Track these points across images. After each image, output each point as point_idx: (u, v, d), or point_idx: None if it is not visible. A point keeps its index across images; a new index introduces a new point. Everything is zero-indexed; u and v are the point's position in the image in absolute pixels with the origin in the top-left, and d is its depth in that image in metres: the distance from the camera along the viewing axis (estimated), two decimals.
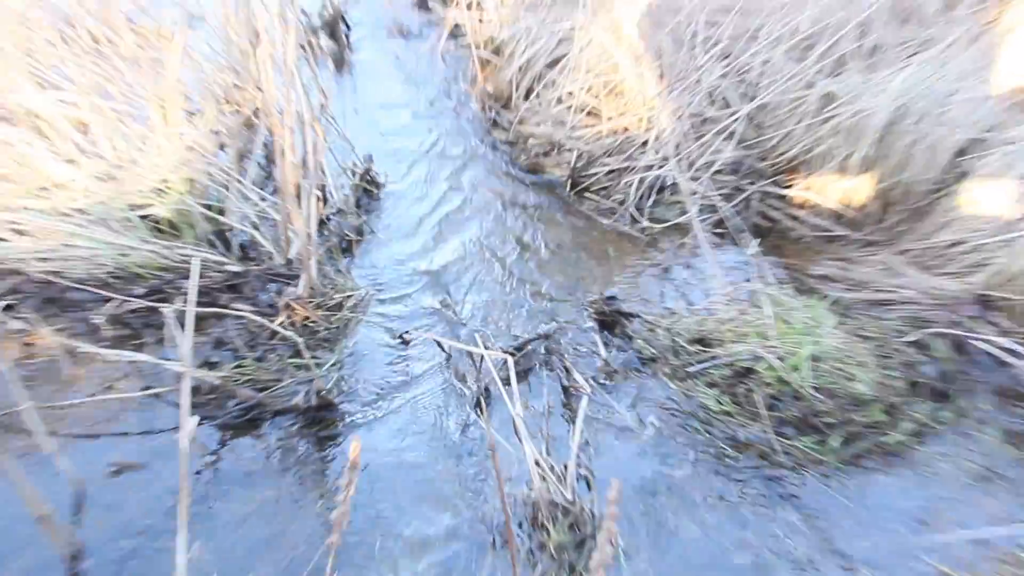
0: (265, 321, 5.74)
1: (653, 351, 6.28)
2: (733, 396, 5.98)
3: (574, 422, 5.70)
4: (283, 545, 4.77)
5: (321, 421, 5.74)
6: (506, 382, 6.00)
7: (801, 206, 7.54)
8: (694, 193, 7.54)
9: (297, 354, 6.06)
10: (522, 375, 6.20)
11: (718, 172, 7.68)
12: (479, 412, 5.89)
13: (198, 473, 5.27)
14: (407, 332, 6.41)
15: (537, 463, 5.09)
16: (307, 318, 6.29)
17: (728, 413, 5.87)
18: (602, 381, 6.13)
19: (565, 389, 6.15)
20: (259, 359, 6.08)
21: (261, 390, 5.83)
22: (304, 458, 5.48)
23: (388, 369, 6.22)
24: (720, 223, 7.53)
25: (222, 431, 5.66)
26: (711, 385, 6.08)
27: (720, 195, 7.57)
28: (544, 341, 6.45)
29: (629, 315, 6.62)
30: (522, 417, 5.38)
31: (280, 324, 6.12)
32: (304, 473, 5.36)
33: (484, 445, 5.53)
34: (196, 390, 5.78)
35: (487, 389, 6.00)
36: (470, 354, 6.08)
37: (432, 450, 5.60)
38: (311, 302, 6.29)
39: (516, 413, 5.37)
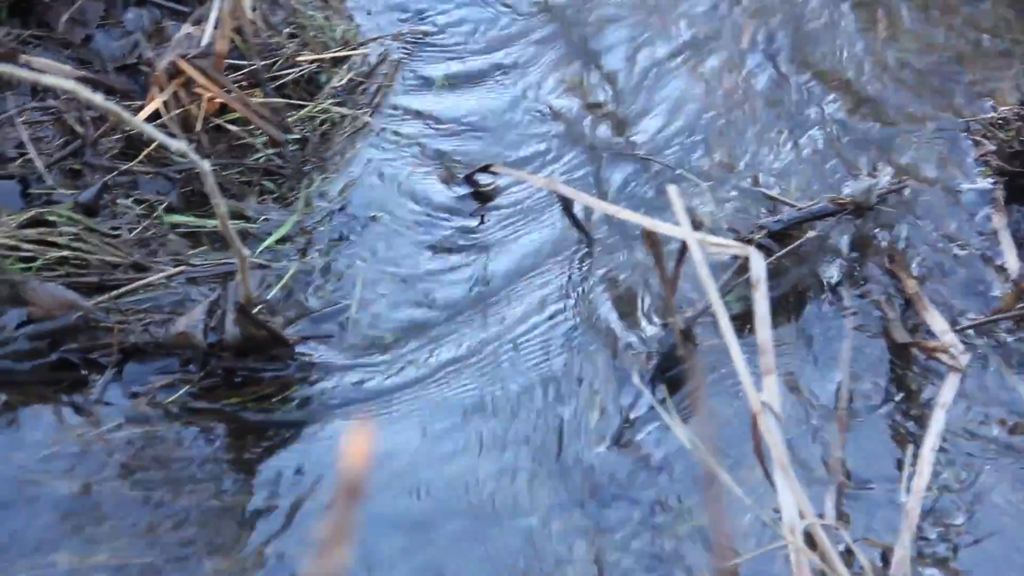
0: (111, 106, 2.89)
1: None
2: None
3: (915, 439, 3.19)
4: None
5: (252, 382, 3.21)
6: (740, 319, 3.26)
7: None
8: None
9: (194, 201, 3.59)
10: (781, 301, 3.53)
11: None
12: (657, 390, 3.27)
13: None
14: (483, 168, 3.86)
15: (811, 539, 2.59)
16: (220, 108, 3.69)
17: None
18: (1003, 339, 3.46)
19: (898, 349, 3.42)
20: (89, 210, 3.45)
21: (94, 292, 3.30)
22: (208, 470, 3.05)
23: (428, 266, 3.64)
24: None
25: None
26: None
27: None
28: (848, 219, 3.75)
29: None
30: (777, 413, 2.64)
31: (156, 121, 3.56)
32: (209, 512, 2.97)
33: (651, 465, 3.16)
34: None
35: (686, 333, 3.36)
36: (649, 237, 3.29)
37: (532, 479, 3.08)
38: (240, 71, 3.84)
39: (762, 401, 2.62)
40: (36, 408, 3.02)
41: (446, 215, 3.65)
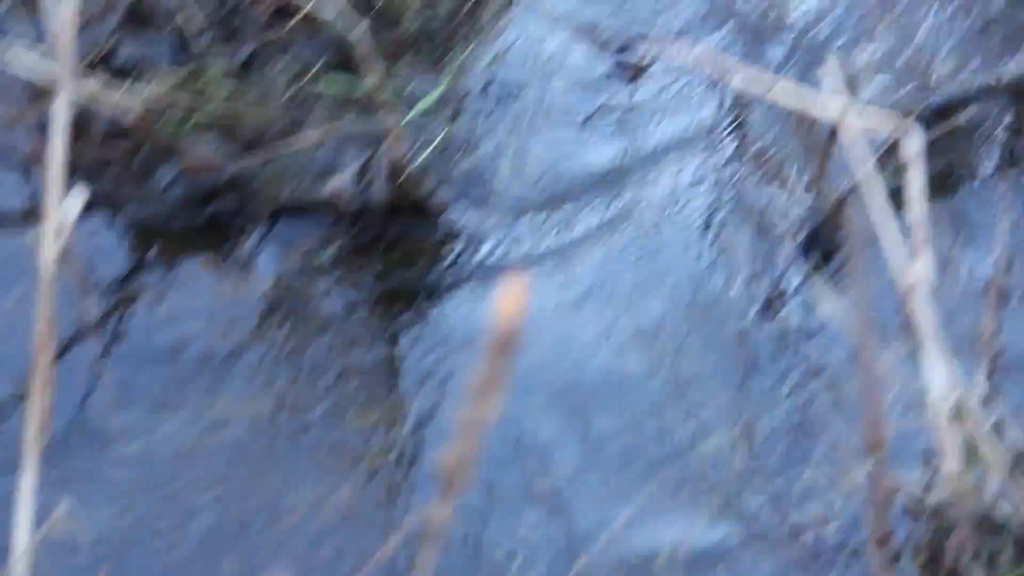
0: None
1: None
2: None
3: None
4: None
5: (399, 245, 3.29)
6: (894, 195, 3.00)
7: None
8: None
9: (348, 64, 3.51)
10: (936, 180, 3.17)
11: None
12: (808, 263, 3.31)
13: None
14: (634, 41, 3.81)
15: (960, 414, 2.60)
16: None
17: None
18: None
19: None
20: (244, 66, 3.51)
21: (246, 151, 3.34)
22: (355, 330, 3.14)
23: (577, 136, 3.61)
24: None
25: (139, 241, 3.26)
26: None
27: None
28: (1008, 98, 3.65)
29: None
30: (929, 288, 2.63)
31: None
32: (356, 369, 3.05)
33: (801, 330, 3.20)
34: (80, 130, 3.23)
35: (837, 207, 3.33)
36: (802, 112, 3.25)
37: (678, 347, 3.11)
38: None
39: (914, 276, 2.61)
40: (188, 264, 3.09)
41: (596, 87, 3.65)
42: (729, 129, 3.54)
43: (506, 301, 1.11)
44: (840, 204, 3.23)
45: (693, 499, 2.78)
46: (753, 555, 2.70)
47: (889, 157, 3.42)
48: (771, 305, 3.05)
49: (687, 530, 2.74)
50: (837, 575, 2.62)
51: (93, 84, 3.17)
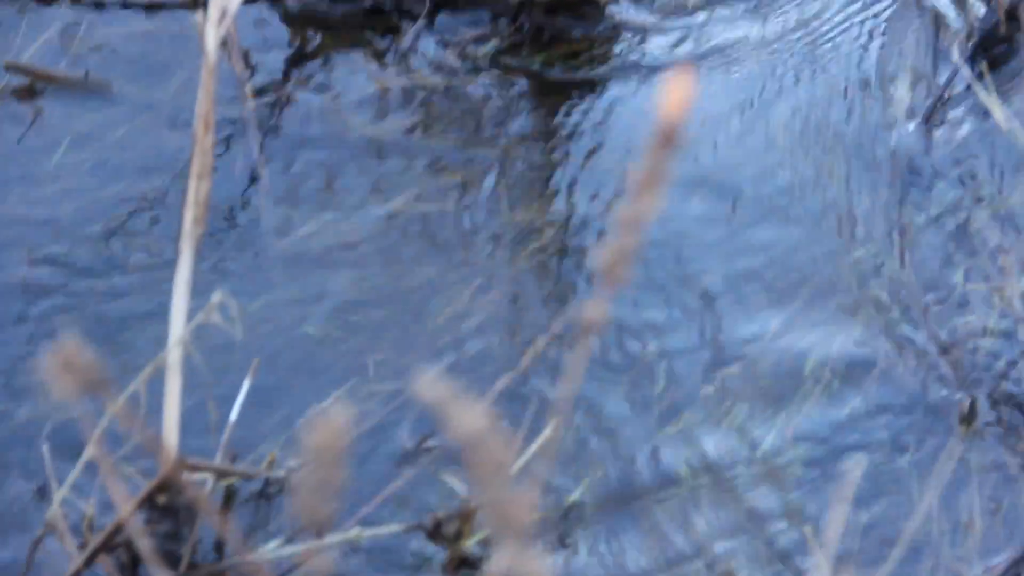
0: None
1: None
2: None
3: None
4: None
5: (560, 40, 3.22)
6: None
7: None
8: None
9: None
10: None
11: None
12: (976, 69, 3.15)
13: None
14: None
15: None
16: None
17: None
18: None
19: None
20: None
21: None
22: (513, 125, 3.09)
23: None
24: None
25: (300, 31, 3.23)
26: None
27: None
28: None
29: None
30: None
31: None
32: (510, 163, 3.02)
33: None
34: None
35: (1010, 12, 3.20)
36: None
37: (840, 156, 3.04)
38: None
39: None
40: (348, 53, 3.06)
41: None
42: None
43: (671, 96, 1.08)
44: (1013, 9, 3.13)
45: (844, 309, 2.72)
46: (903, 367, 2.64)
47: None
48: (937, 111, 2.97)
49: (837, 340, 2.68)
50: (988, 389, 2.57)
51: None
